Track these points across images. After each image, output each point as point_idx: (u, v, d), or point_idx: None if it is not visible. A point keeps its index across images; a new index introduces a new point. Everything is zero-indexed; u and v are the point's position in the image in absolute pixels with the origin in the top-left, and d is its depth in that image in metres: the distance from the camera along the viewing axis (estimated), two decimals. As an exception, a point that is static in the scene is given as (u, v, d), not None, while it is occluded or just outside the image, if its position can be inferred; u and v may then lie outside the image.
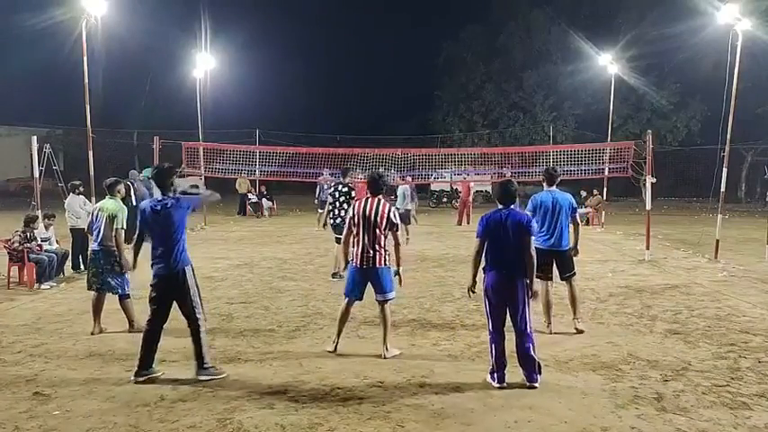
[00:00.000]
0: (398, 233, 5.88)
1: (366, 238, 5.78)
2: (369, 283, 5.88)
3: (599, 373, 5.44)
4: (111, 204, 6.84)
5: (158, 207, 5.27)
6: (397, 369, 5.51)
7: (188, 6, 36.20)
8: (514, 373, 5.16)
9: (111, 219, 6.70)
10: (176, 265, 5.23)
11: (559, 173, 7.09)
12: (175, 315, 5.35)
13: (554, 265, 6.78)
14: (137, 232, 5.49)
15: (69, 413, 4.56)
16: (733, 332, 6.73)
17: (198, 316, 5.25)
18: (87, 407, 4.66)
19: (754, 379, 5.27)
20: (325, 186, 18.52)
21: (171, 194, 5.36)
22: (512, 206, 5.26)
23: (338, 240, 9.14)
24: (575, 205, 6.89)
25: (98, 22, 12.87)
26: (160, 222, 5.25)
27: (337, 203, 9.50)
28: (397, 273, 5.91)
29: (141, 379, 5.13)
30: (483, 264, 5.26)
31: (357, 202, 6.01)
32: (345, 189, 9.53)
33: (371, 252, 5.77)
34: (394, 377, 5.31)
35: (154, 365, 5.25)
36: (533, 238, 5.22)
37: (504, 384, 5.02)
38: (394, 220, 5.82)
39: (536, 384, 5.04)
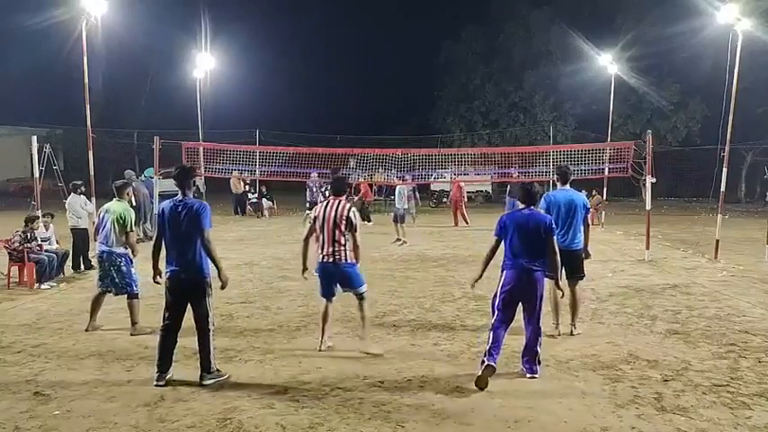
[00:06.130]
0: (357, 234, 5.88)
1: (326, 237, 5.81)
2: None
3: (599, 373, 5.45)
4: (118, 206, 6.81)
5: (179, 207, 5.13)
6: (397, 369, 5.52)
7: (188, 6, 36.28)
8: (509, 374, 5.15)
9: (119, 221, 6.69)
10: (195, 271, 5.11)
11: (572, 171, 7.02)
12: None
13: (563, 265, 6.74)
14: (155, 236, 5.37)
15: (69, 413, 4.56)
16: (733, 332, 6.73)
17: (210, 327, 5.19)
18: (87, 407, 4.66)
19: (754, 379, 5.27)
20: (313, 188, 18.58)
21: (191, 195, 5.25)
22: (532, 207, 5.46)
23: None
24: (588, 205, 6.83)
25: (98, 22, 12.89)
26: (180, 223, 5.09)
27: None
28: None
29: (162, 383, 5.06)
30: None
31: (319, 205, 6.07)
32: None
33: (332, 250, 5.80)
34: (394, 377, 5.31)
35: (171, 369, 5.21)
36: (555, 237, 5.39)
37: (493, 364, 5.04)
38: (354, 221, 5.84)
39: (536, 375, 5.19)
